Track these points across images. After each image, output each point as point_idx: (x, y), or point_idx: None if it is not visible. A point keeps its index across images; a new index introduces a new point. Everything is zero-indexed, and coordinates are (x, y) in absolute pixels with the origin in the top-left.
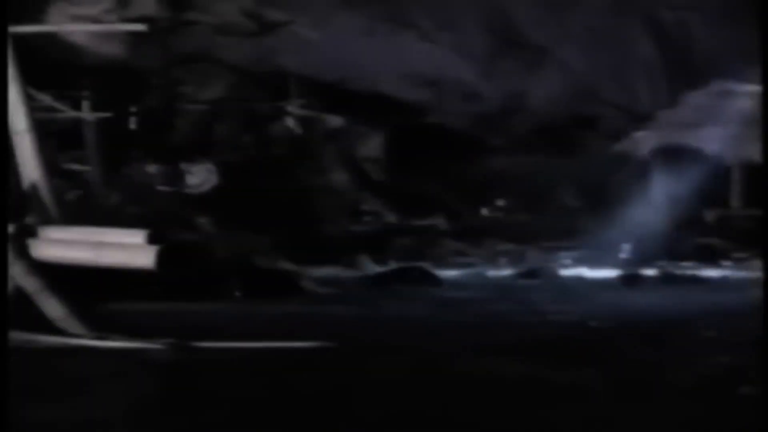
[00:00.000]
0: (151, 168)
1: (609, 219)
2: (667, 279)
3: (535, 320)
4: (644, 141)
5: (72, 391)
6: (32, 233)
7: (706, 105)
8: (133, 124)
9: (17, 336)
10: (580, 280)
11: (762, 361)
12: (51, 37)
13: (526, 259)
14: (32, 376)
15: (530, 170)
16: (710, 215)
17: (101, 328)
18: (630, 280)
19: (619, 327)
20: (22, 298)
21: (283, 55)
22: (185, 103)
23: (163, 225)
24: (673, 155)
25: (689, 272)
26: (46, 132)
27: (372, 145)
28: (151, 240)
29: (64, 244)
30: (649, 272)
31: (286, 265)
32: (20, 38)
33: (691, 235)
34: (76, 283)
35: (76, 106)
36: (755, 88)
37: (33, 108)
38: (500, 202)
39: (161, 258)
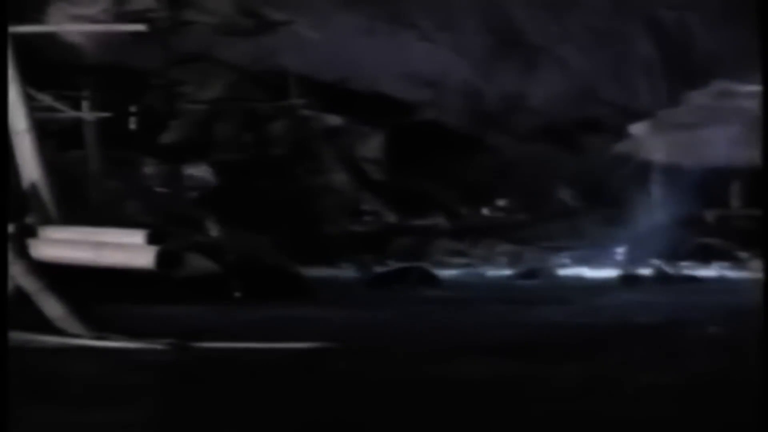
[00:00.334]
0: (149, 168)
1: (608, 219)
2: (665, 279)
3: (532, 320)
4: (644, 141)
5: (72, 392)
6: (32, 233)
7: (706, 105)
8: (133, 124)
9: (17, 336)
10: (579, 280)
11: (762, 360)
12: (51, 37)
13: (525, 259)
14: (32, 376)
15: (530, 170)
16: (710, 215)
17: (101, 328)
18: (629, 280)
19: (612, 327)
20: (22, 298)
21: (283, 54)
22: (185, 103)
23: (168, 225)
24: (673, 156)
25: (688, 272)
26: (46, 132)
27: (372, 145)
28: (151, 240)
29: (64, 244)
30: (648, 272)
31: (287, 265)
32: (20, 38)
33: (691, 234)
34: (76, 283)
35: (76, 106)
36: (755, 88)
37: (33, 108)
38: (500, 202)
39: (162, 258)
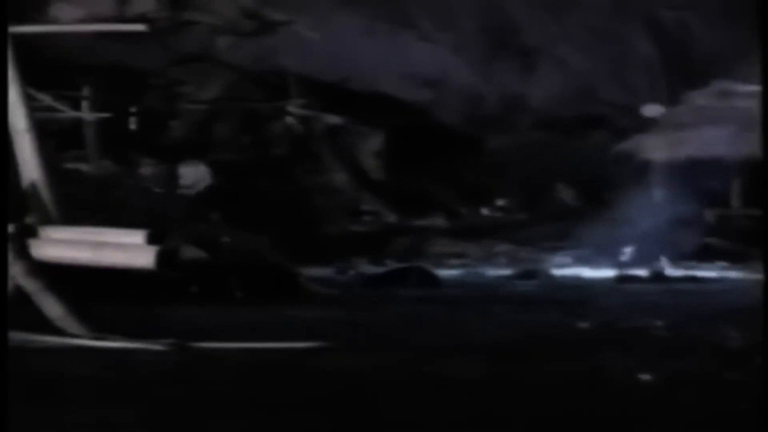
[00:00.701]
0: (149, 168)
1: (608, 219)
2: (664, 279)
3: (529, 321)
4: (644, 141)
5: (71, 392)
6: (32, 233)
7: (706, 105)
8: (132, 124)
9: (17, 336)
10: (578, 280)
11: (762, 360)
12: (51, 37)
13: (525, 259)
14: (32, 376)
15: (530, 170)
16: (710, 215)
17: (101, 328)
18: (628, 280)
19: (605, 327)
20: (22, 297)
21: (283, 55)
22: (185, 103)
23: (168, 225)
24: (673, 155)
25: (688, 272)
26: (46, 132)
27: (372, 145)
28: (151, 240)
29: (64, 244)
30: (647, 272)
31: (287, 265)
32: (20, 38)
33: (691, 234)
34: (75, 283)
35: (76, 106)
36: (755, 87)
37: (33, 108)
38: (500, 202)
39: (162, 258)
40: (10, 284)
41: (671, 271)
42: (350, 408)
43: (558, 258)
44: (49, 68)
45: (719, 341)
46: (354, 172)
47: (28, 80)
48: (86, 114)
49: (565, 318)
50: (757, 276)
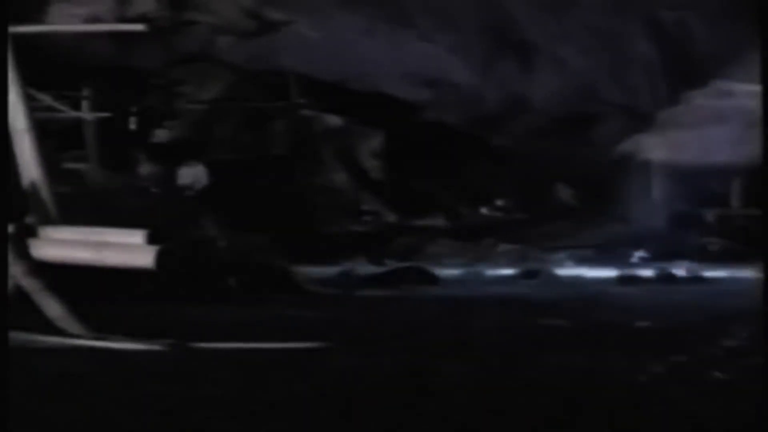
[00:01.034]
0: (149, 168)
1: (608, 219)
2: (665, 279)
3: (527, 320)
4: (644, 141)
5: (71, 392)
6: (32, 233)
7: (706, 105)
8: (133, 124)
9: (17, 336)
10: (579, 280)
11: (762, 360)
12: (51, 37)
13: (524, 258)
14: (32, 376)
15: (530, 170)
16: (710, 215)
17: (101, 328)
18: (629, 280)
19: (607, 325)
20: (22, 297)
21: (283, 54)
22: (185, 103)
23: (168, 225)
24: (673, 155)
25: (688, 272)
26: (46, 132)
27: (372, 145)
28: (151, 240)
29: (64, 244)
30: (647, 272)
31: (286, 265)
32: (20, 38)
33: (691, 234)
34: (75, 283)
35: (76, 106)
36: (755, 87)
37: (33, 108)
38: (499, 202)
39: (162, 258)
40: (11, 284)
41: (671, 271)
42: (350, 408)
43: (559, 257)
44: (49, 68)
45: (714, 341)
46: (354, 172)
47: (28, 80)
48: (86, 114)
49: (560, 317)
50: (757, 276)
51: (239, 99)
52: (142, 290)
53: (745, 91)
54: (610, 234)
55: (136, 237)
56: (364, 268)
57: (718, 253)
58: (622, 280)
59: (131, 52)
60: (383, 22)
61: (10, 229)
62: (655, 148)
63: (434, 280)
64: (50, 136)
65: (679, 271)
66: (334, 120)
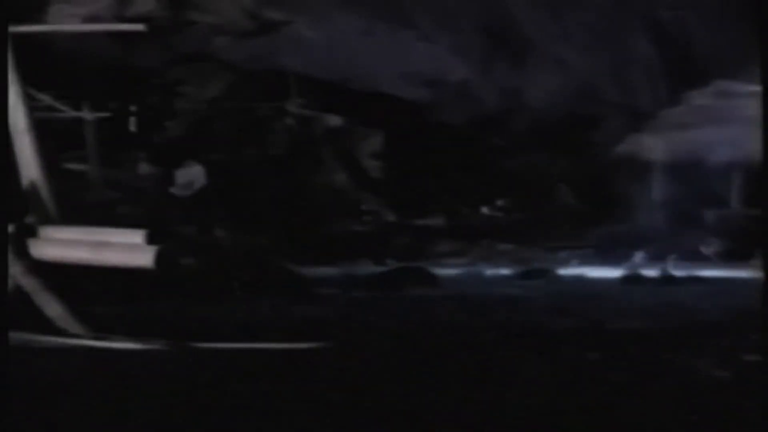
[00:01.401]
0: (149, 168)
1: (608, 219)
2: (666, 279)
3: (526, 320)
4: (644, 141)
5: (71, 392)
6: (32, 233)
7: (706, 105)
8: (133, 124)
9: (17, 336)
10: (579, 280)
11: (762, 360)
12: (51, 37)
13: (525, 258)
14: (32, 376)
15: (530, 169)
16: (710, 215)
17: (101, 328)
18: (630, 280)
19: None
20: (22, 297)
21: (283, 54)
22: (185, 103)
23: (168, 225)
24: (673, 156)
25: (689, 272)
26: (46, 132)
27: (372, 145)
28: (151, 240)
29: (64, 244)
30: (649, 272)
31: (286, 265)
32: (20, 38)
33: (691, 235)
34: (76, 282)
35: (76, 106)
36: (755, 87)
37: (33, 108)
38: (500, 202)
39: (161, 258)
40: (10, 284)
41: (671, 271)
42: (350, 408)
43: (559, 257)
44: (49, 68)
45: (714, 340)
46: (354, 172)
47: (28, 80)
48: (86, 114)
49: (557, 317)
50: (757, 276)
51: (239, 99)
52: (142, 290)
53: (745, 91)
54: (610, 234)
55: (136, 237)
56: (365, 268)
57: (718, 253)
58: (622, 280)
59: (131, 52)
60: (383, 22)
61: (10, 228)
62: (655, 148)
63: (435, 280)
64: (50, 136)
65: (679, 271)
66: (334, 120)
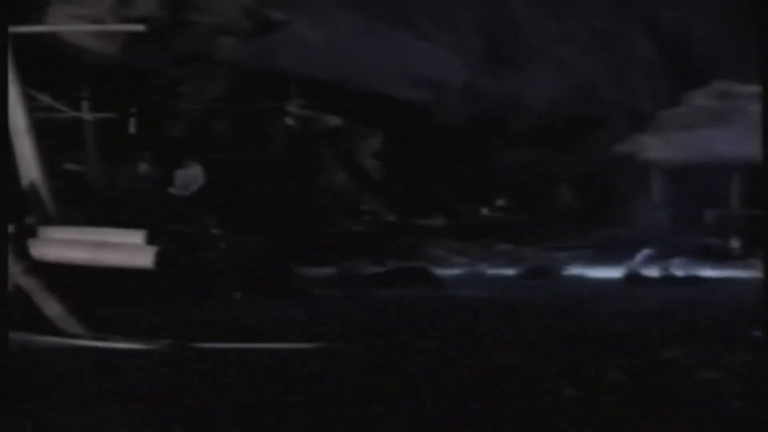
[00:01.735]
0: (149, 168)
1: (609, 219)
2: (667, 279)
3: (528, 320)
4: (644, 141)
5: (71, 392)
6: (32, 233)
7: (706, 105)
8: (132, 124)
9: (17, 336)
10: (579, 280)
11: (763, 359)
12: (51, 37)
13: (525, 258)
14: (32, 376)
15: (530, 169)
16: (710, 215)
17: (101, 328)
18: (630, 280)
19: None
20: (22, 298)
21: (283, 54)
22: (185, 103)
23: (167, 225)
24: (674, 156)
25: (689, 272)
26: (46, 132)
27: (372, 145)
28: (151, 240)
29: (64, 244)
30: (649, 272)
31: (286, 266)
32: (21, 38)
33: (691, 234)
34: (75, 283)
35: (76, 106)
36: (755, 88)
37: (33, 108)
38: (500, 202)
39: (161, 258)
40: (10, 284)
41: (672, 271)
42: (350, 407)
43: (559, 257)
44: (49, 68)
45: (714, 339)
46: (354, 172)
47: (27, 80)
48: (86, 114)
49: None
50: (757, 276)
51: (239, 99)
52: (141, 290)
53: (744, 92)
54: (610, 234)
55: (135, 237)
56: (365, 268)
57: (718, 252)
58: (622, 281)
59: (131, 52)
60: (383, 23)
61: (10, 229)
62: (655, 148)
63: (435, 280)
64: (50, 136)
65: (680, 271)
66: (333, 120)
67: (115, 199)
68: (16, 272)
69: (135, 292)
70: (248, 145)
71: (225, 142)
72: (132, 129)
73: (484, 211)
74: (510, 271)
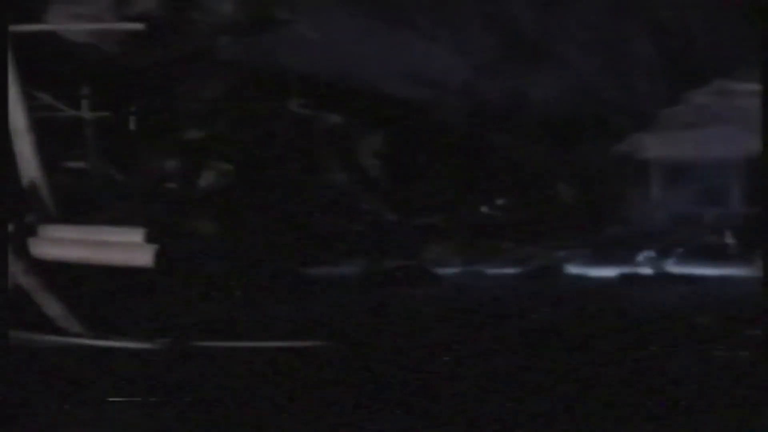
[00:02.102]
0: (148, 167)
1: (608, 217)
2: (666, 278)
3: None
4: (644, 140)
5: (72, 390)
6: (32, 232)
7: (706, 104)
8: (132, 123)
9: (17, 335)
10: (579, 279)
11: (763, 358)
12: (51, 36)
13: (525, 257)
14: (32, 375)
15: (530, 168)
16: (710, 214)
17: (101, 327)
18: (630, 279)
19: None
20: (22, 296)
21: (283, 53)
22: (185, 102)
23: (167, 224)
24: (673, 155)
25: (689, 271)
26: (45, 131)
27: (372, 144)
28: (150, 239)
29: (64, 243)
30: (649, 271)
31: (286, 265)
32: (20, 37)
33: (691, 233)
34: (75, 281)
35: (76, 106)
36: (755, 86)
37: (33, 107)
38: (500, 201)
39: (161, 257)
40: (10, 283)
41: (671, 270)
42: (350, 407)
43: (559, 256)
44: (49, 67)
45: (713, 339)
46: (354, 171)
47: (27, 79)
48: (86, 113)
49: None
50: (756, 274)
51: (239, 99)
52: (141, 289)
53: (744, 90)
54: (610, 233)
55: (135, 236)
56: (365, 267)
57: (717, 251)
58: (622, 279)
59: (131, 51)
60: (384, 22)
61: (10, 227)
62: (655, 147)
63: (435, 279)
64: (50, 136)
65: (678, 269)
66: (333, 119)
67: (114, 198)
68: (16, 271)
69: (134, 291)
70: (248, 145)
71: (224, 141)
72: (131, 128)
73: (484, 209)
74: (510, 270)
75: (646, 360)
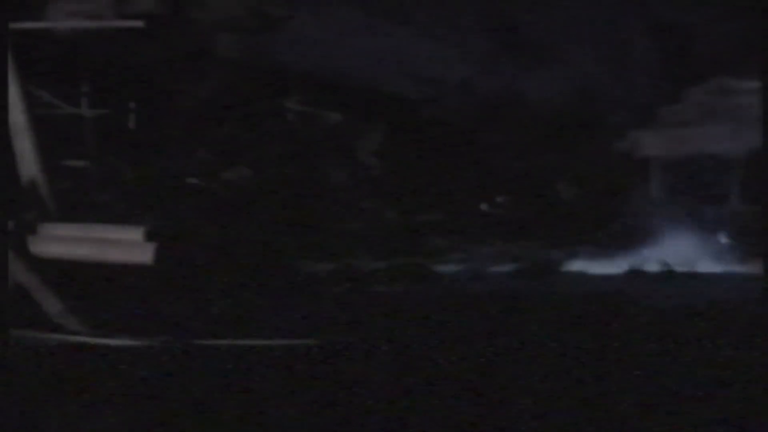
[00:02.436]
0: (143, 165)
1: (608, 216)
2: (667, 276)
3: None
4: (644, 138)
5: (72, 390)
6: (32, 230)
7: (706, 102)
8: (132, 121)
9: (17, 333)
10: (580, 277)
11: (763, 358)
12: (50, 34)
13: (525, 256)
14: (32, 374)
15: (530, 167)
16: (710, 213)
17: (101, 326)
18: (630, 277)
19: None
20: (22, 294)
21: (282, 51)
22: (183, 101)
23: (167, 223)
24: (673, 153)
25: (688, 269)
26: (45, 128)
27: (372, 143)
28: (150, 236)
29: (64, 241)
30: (649, 269)
31: (285, 263)
32: (20, 34)
33: (691, 232)
34: (75, 279)
35: (76, 103)
36: (755, 84)
37: (32, 104)
38: (500, 199)
39: (160, 255)
40: (11, 281)
41: (672, 268)
42: (348, 406)
43: (559, 255)
44: (48, 65)
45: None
46: (353, 169)
47: (27, 77)
48: (85, 111)
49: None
50: (757, 273)
51: (239, 97)
52: (141, 287)
53: (745, 88)
54: (610, 231)
55: (135, 234)
56: (365, 265)
57: (717, 249)
58: (623, 278)
59: (131, 49)
60: (383, 19)
61: (10, 226)
62: (655, 145)
63: (435, 277)
64: (49, 133)
65: (679, 267)
66: (333, 117)
67: (114, 196)
68: (16, 269)
69: (135, 290)
70: (247, 144)
71: (224, 140)
72: (131, 126)
73: (484, 207)
74: (510, 268)
75: (645, 359)
